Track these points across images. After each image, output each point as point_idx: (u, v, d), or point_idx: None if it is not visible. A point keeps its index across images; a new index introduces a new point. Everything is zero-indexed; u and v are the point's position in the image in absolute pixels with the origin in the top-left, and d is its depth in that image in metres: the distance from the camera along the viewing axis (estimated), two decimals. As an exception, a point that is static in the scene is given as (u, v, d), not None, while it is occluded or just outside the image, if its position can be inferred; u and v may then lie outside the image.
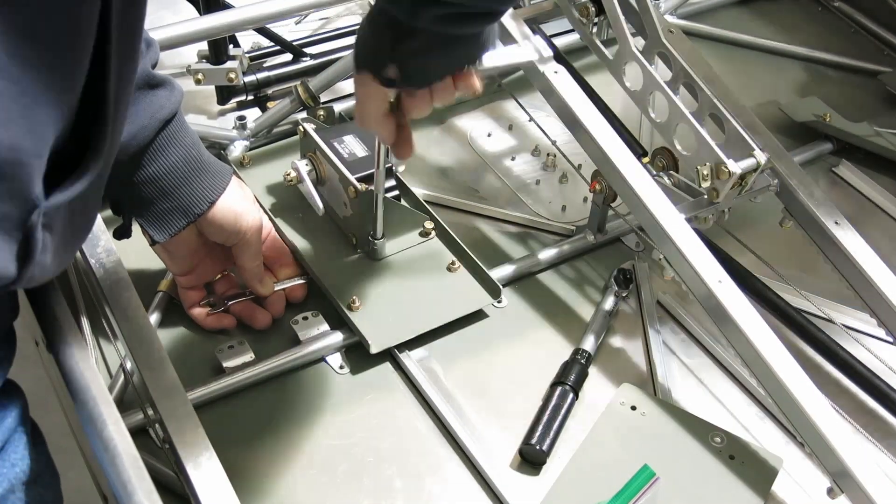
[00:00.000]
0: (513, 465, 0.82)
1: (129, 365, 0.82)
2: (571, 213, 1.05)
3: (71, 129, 0.54)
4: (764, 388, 0.80)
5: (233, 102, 1.14)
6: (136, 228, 0.83)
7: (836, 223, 0.89)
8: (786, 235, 0.95)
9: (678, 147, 0.90)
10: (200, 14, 1.04)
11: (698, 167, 0.87)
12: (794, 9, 1.41)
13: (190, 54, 1.11)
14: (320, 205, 0.92)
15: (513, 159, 1.12)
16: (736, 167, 0.85)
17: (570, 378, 0.86)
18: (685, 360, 0.92)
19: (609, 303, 0.94)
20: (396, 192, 0.97)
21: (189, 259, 0.86)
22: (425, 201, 1.00)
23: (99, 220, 0.78)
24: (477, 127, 1.16)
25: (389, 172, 0.92)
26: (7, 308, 0.63)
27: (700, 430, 0.83)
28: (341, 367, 0.88)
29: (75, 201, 0.55)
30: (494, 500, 0.79)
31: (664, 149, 0.92)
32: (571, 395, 0.85)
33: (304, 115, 1.03)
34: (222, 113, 1.14)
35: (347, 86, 1.13)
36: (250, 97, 1.13)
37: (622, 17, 0.92)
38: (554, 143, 1.09)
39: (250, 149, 1.07)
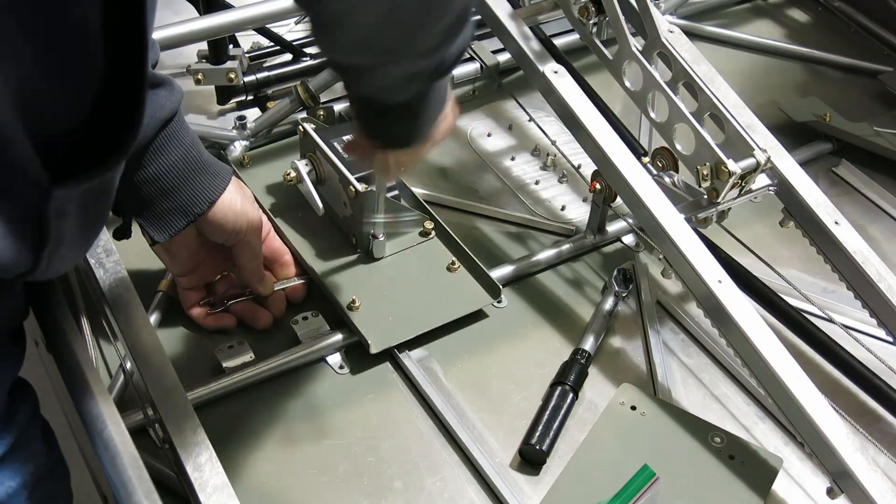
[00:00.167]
0: (513, 465, 0.82)
1: (129, 365, 0.82)
2: (571, 213, 1.05)
3: (95, 120, 0.54)
4: (764, 388, 0.80)
5: (233, 102, 1.14)
6: (135, 228, 0.83)
7: (836, 223, 0.89)
8: (786, 235, 0.95)
9: (678, 147, 0.90)
10: (200, 14, 1.04)
11: (698, 167, 0.86)
12: (794, 9, 1.41)
13: (190, 54, 1.11)
14: (320, 205, 0.92)
15: (513, 159, 1.12)
16: (736, 167, 0.85)
17: (569, 378, 0.86)
18: (685, 360, 0.92)
19: (609, 303, 0.94)
20: (396, 192, 0.97)
21: (189, 259, 0.86)
22: (425, 201, 1.00)
23: (99, 220, 0.78)
24: (477, 127, 1.16)
25: (389, 172, 0.93)
26: (18, 306, 0.64)
27: (700, 430, 0.83)
28: (341, 367, 0.88)
29: (91, 192, 0.56)
30: (494, 500, 0.79)
31: (664, 149, 0.92)
32: (571, 395, 0.85)
33: (304, 115, 1.03)
34: (222, 113, 1.14)
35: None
36: (250, 97, 1.13)
37: (622, 17, 0.92)
38: (554, 143, 1.10)
39: (250, 149, 1.07)
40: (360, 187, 0.90)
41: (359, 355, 0.88)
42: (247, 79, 1.11)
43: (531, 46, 0.95)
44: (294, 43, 1.16)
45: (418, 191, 1.02)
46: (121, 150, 0.56)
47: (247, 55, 1.12)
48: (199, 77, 1.09)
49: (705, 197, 0.88)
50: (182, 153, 0.79)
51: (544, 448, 0.81)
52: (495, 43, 1.14)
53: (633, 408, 0.84)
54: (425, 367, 0.88)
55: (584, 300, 0.96)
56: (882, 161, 1.13)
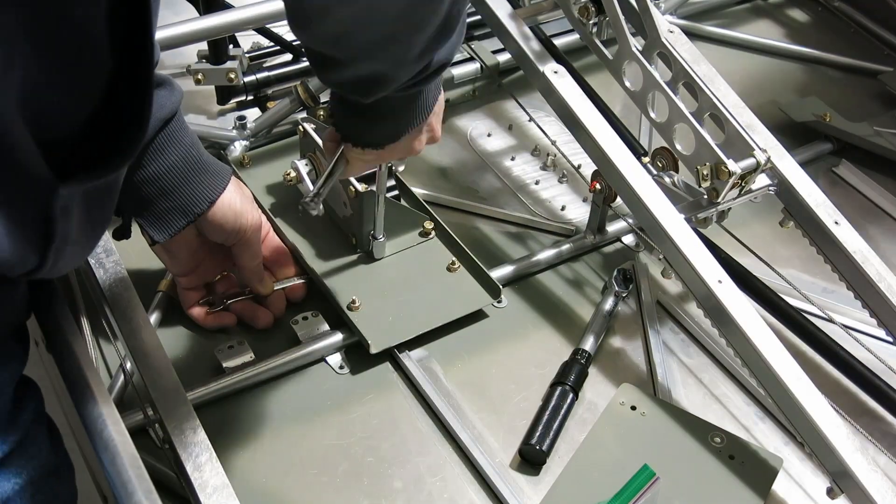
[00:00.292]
0: (513, 465, 0.82)
1: (128, 365, 0.82)
2: (571, 213, 1.05)
3: (100, 121, 0.54)
4: (764, 388, 0.80)
5: (233, 102, 1.14)
6: (135, 228, 0.83)
7: (836, 223, 0.89)
8: (786, 235, 0.95)
9: (678, 147, 0.90)
10: (200, 14, 1.04)
11: (698, 167, 0.86)
12: (794, 9, 1.41)
13: (190, 54, 1.11)
14: (320, 205, 0.92)
15: (513, 159, 1.12)
16: (736, 167, 0.85)
17: (569, 378, 0.86)
18: (685, 360, 0.92)
19: (609, 303, 0.94)
20: (396, 192, 0.97)
21: (189, 259, 0.86)
22: (425, 201, 1.00)
23: (99, 220, 0.78)
24: (477, 127, 1.16)
25: (389, 172, 0.92)
26: (22, 305, 0.64)
27: (700, 430, 0.83)
28: (341, 367, 0.88)
29: (95, 192, 0.56)
30: (494, 500, 0.79)
31: (664, 149, 0.92)
32: (571, 396, 0.85)
33: (303, 115, 1.03)
34: (222, 113, 1.14)
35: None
36: (250, 97, 1.13)
37: (622, 17, 0.92)
38: (554, 143, 1.10)
39: (250, 149, 1.07)
40: (360, 187, 0.90)
41: (359, 355, 0.88)
42: (247, 79, 1.11)
43: (531, 46, 0.95)
44: (294, 43, 1.16)
45: (418, 191, 1.02)
46: (128, 150, 0.56)
47: (247, 55, 1.12)
48: (199, 77, 1.09)
49: (705, 197, 0.88)
50: (182, 153, 0.79)
51: (544, 448, 0.81)
52: (495, 43, 1.14)
53: (633, 408, 0.84)
54: (425, 367, 0.88)
55: (584, 300, 0.96)
56: (882, 161, 1.13)
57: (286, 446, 0.82)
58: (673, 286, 0.97)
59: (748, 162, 0.86)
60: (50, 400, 0.83)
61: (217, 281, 0.91)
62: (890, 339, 0.87)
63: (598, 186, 0.94)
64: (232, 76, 1.09)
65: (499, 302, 0.94)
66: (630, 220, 0.97)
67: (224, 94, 1.13)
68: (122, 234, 0.83)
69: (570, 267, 1.00)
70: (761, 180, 0.90)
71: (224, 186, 0.82)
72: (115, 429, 0.64)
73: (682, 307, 0.95)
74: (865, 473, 0.73)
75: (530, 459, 0.82)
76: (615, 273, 0.96)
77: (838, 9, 1.39)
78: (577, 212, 1.05)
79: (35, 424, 0.64)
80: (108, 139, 0.56)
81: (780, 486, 0.80)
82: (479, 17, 1.00)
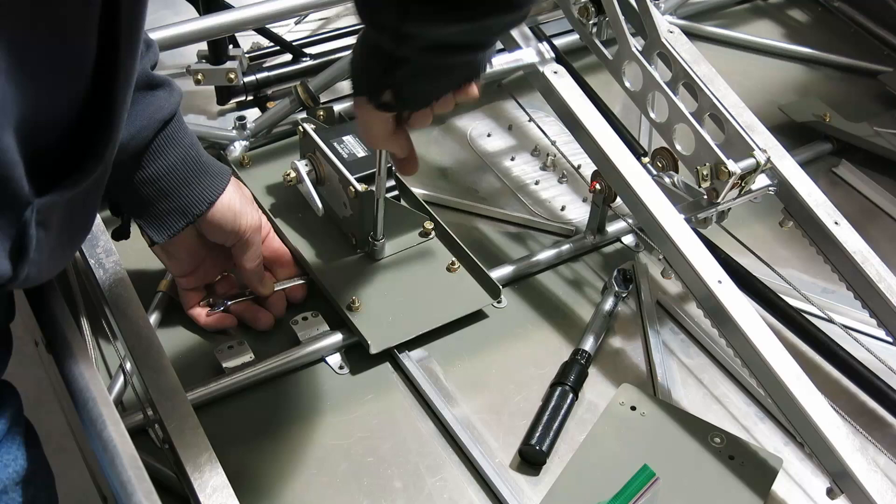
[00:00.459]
0: (513, 466, 0.82)
1: (128, 365, 0.82)
2: (571, 214, 1.05)
3: (74, 127, 0.54)
4: (764, 388, 0.80)
5: (232, 102, 1.14)
6: (135, 229, 0.83)
7: (836, 223, 0.89)
8: (786, 235, 0.95)
9: (678, 147, 0.90)
10: (200, 14, 1.04)
11: (698, 167, 0.86)
12: (794, 9, 1.41)
13: (190, 54, 1.11)
14: (320, 205, 0.92)
15: (513, 159, 1.12)
16: (736, 167, 0.85)
17: (569, 378, 0.86)
18: (685, 360, 0.92)
19: (609, 303, 0.94)
20: (396, 192, 0.97)
21: (189, 260, 0.86)
22: (425, 201, 1.00)
23: (98, 220, 0.78)
24: (477, 127, 1.16)
25: (389, 172, 0.92)
26: (2, 310, 0.63)
27: (700, 430, 0.83)
28: (341, 368, 0.88)
29: (75, 200, 0.55)
30: (494, 501, 0.79)
31: (664, 149, 0.92)
32: (571, 396, 0.85)
33: (303, 115, 1.03)
34: (222, 113, 1.14)
35: (347, 86, 1.12)
36: (250, 97, 1.13)
37: (622, 18, 0.92)
38: (554, 143, 1.10)
39: (250, 149, 1.07)
40: (360, 187, 0.90)
41: (359, 355, 0.88)
42: (247, 79, 1.11)
43: (531, 46, 0.95)
44: (294, 43, 1.16)
45: (418, 191, 1.02)
46: (100, 153, 0.55)
47: (247, 55, 1.12)
48: (199, 77, 1.09)
49: (705, 197, 0.88)
50: (181, 154, 0.79)
51: (544, 448, 0.81)
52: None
53: (633, 408, 0.84)
54: (425, 368, 0.88)
55: (583, 300, 0.96)
56: (882, 161, 1.13)
57: (286, 446, 0.82)
58: (673, 286, 0.97)
59: (748, 162, 0.86)
60: (50, 400, 0.83)
61: (217, 282, 0.91)
62: (890, 339, 0.87)
63: (597, 187, 0.94)
64: (232, 76, 1.09)
65: (499, 302, 0.94)
66: (630, 221, 0.97)
67: (224, 94, 1.13)
68: (121, 234, 0.83)
69: (570, 267, 1.00)
70: (761, 180, 0.90)
71: (223, 187, 0.82)
72: (115, 429, 0.64)
73: (682, 307, 0.95)
74: (865, 474, 0.73)
75: (530, 460, 0.82)
76: (615, 273, 0.96)
77: (838, 9, 1.39)
78: (577, 212, 1.05)
79: (11, 431, 0.63)
80: (82, 143, 0.55)
81: (779, 487, 0.80)
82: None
